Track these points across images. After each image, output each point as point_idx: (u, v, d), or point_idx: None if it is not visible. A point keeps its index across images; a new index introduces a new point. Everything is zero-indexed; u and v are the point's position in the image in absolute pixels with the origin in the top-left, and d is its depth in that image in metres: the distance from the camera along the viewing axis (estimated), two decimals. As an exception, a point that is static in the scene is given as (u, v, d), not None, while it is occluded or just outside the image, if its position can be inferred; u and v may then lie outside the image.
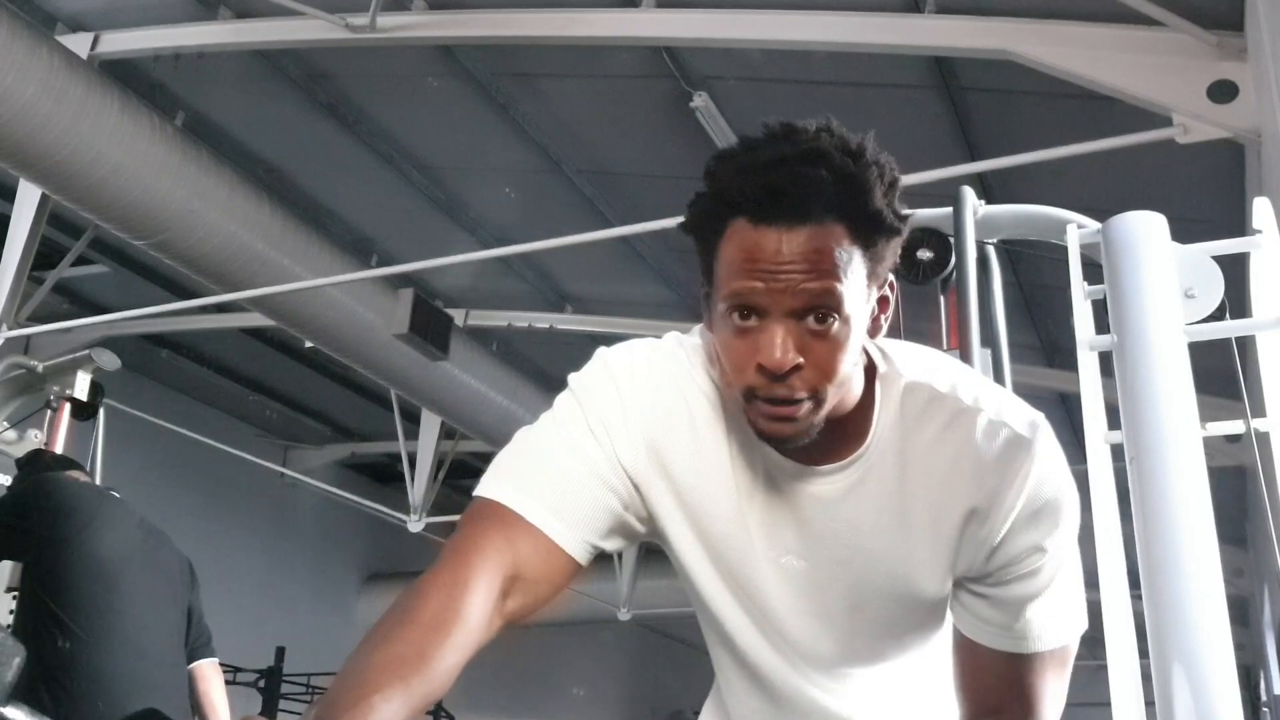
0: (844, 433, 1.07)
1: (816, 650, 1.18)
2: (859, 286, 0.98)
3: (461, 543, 1.04)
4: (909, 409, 1.08)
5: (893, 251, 1.02)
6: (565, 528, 1.08)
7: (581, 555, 1.10)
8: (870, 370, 1.08)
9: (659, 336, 1.18)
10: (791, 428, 1.01)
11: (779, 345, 0.97)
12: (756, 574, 1.14)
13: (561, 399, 1.14)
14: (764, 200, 0.95)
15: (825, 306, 0.96)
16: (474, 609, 0.99)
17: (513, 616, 1.05)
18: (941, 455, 1.07)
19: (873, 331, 1.04)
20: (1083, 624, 1.14)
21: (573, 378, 1.15)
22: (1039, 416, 1.11)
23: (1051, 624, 1.10)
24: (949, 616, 1.17)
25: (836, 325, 0.97)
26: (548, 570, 1.07)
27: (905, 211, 1.00)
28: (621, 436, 1.10)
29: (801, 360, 0.97)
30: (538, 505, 1.07)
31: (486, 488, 1.09)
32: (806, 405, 0.99)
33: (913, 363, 1.11)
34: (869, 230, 0.98)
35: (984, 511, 1.05)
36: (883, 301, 1.04)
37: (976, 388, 1.10)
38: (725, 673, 1.27)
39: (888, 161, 0.99)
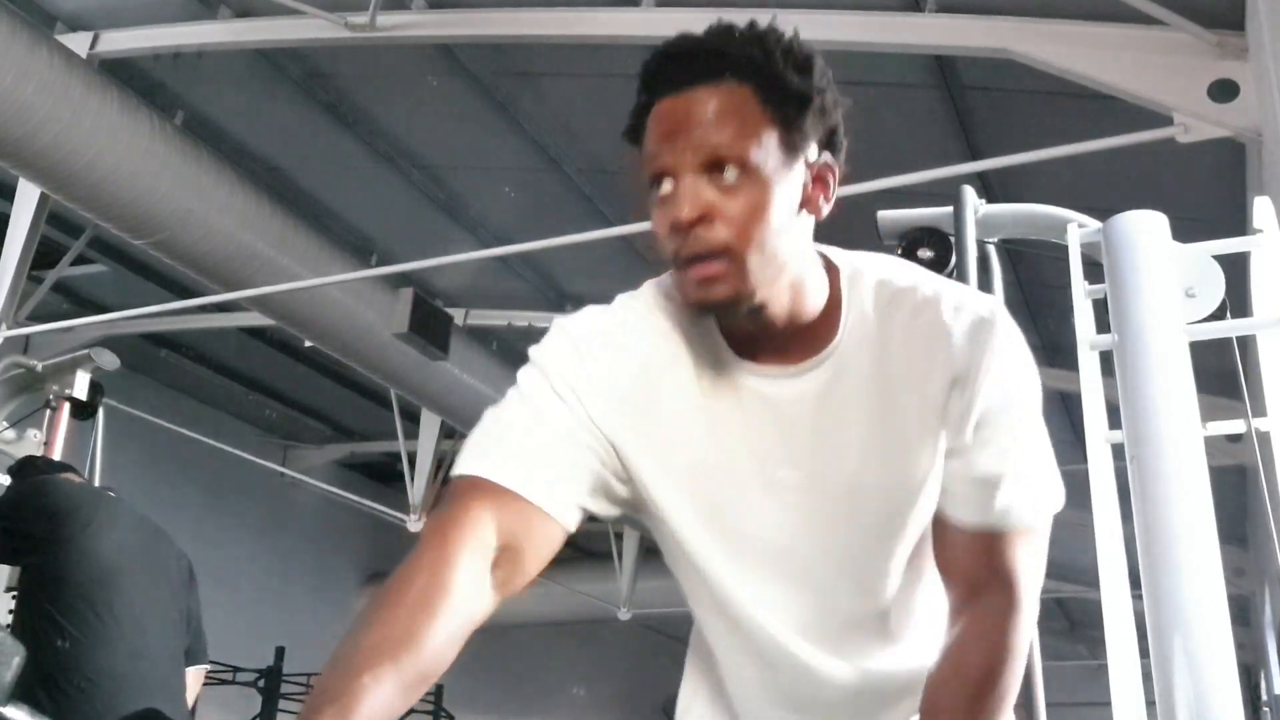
0: (814, 334, 1.09)
1: (810, 585, 1.17)
2: (771, 149, 1.01)
3: (442, 521, 1.03)
4: (879, 300, 1.11)
5: (815, 126, 1.04)
6: (547, 491, 1.06)
7: (568, 518, 1.08)
8: (835, 274, 1.12)
9: None
10: (716, 291, 1.02)
11: (684, 198, 1.00)
12: (746, 505, 1.13)
13: (524, 372, 1.14)
14: (669, 70, 1.02)
15: (728, 158, 0.99)
16: (461, 584, 0.98)
17: (506, 587, 1.04)
18: (917, 335, 1.09)
19: (811, 208, 1.06)
20: (1057, 502, 1.17)
21: (533, 350, 1.15)
22: (995, 301, 1.15)
23: (1025, 499, 1.14)
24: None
25: (744, 180, 1.00)
26: (535, 537, 1.06)
27: (822, 85, 1.05)
28: (588, 395, 1.10)
29: (710, 215, 1.00)
30: (516, 473, 1.05)
31: (463, 465, 1.08)
32: (724, 264, 1.01)
33: (875, 263, 1.14)
34: (775, 93, 1.01)
35: (963, 379, 1.08)
36: (819, 181, 1.06)
37: (935, 281, 1.14)
38: (718, 644, 1.25)
39: (800, 45, 1.05)
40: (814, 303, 1.09)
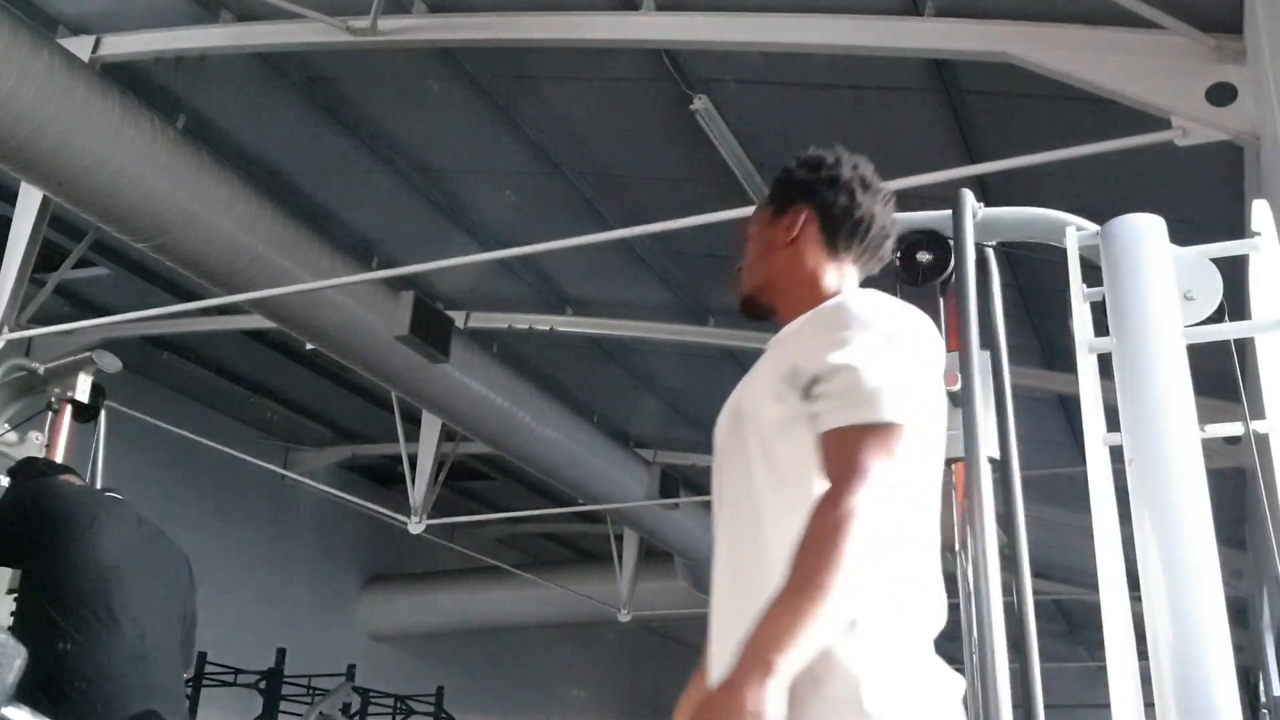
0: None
1: (720, 489, 1.61)
2: (760, 223, 1.77)
3: None
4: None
5: (795, 190, 1.73)
6: None
7: None
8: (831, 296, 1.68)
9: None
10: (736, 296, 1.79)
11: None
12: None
13: None
14: None
15: (742, 239, 1.81)
16: None
17: None
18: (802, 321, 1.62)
19: (785, 238, 1.71)
20: (868, 415, 1.42)
21: None
22: (849, 295, 1.62)
23: (837, 408, 1.44)
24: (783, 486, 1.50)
25: (746, 245, 1.79)
26: None
27: (799, 171, 1.75)
28: None
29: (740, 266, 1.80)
30: None
31: None
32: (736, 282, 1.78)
33: (859, 294, 1.63)
34: (771, 192, 1.79)
35: (792, 336, 1.60)
36: (785, 227, 1.71)
37: (855, 294, 1.62)
38: None
39: (798, 157, 1.76)
40: (800, 306, 1.64)
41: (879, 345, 1.46)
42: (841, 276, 1.70)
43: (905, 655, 1.41)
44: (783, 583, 1.30)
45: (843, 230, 1.69)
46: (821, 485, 1.39)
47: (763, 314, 1.73)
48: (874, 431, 1.39)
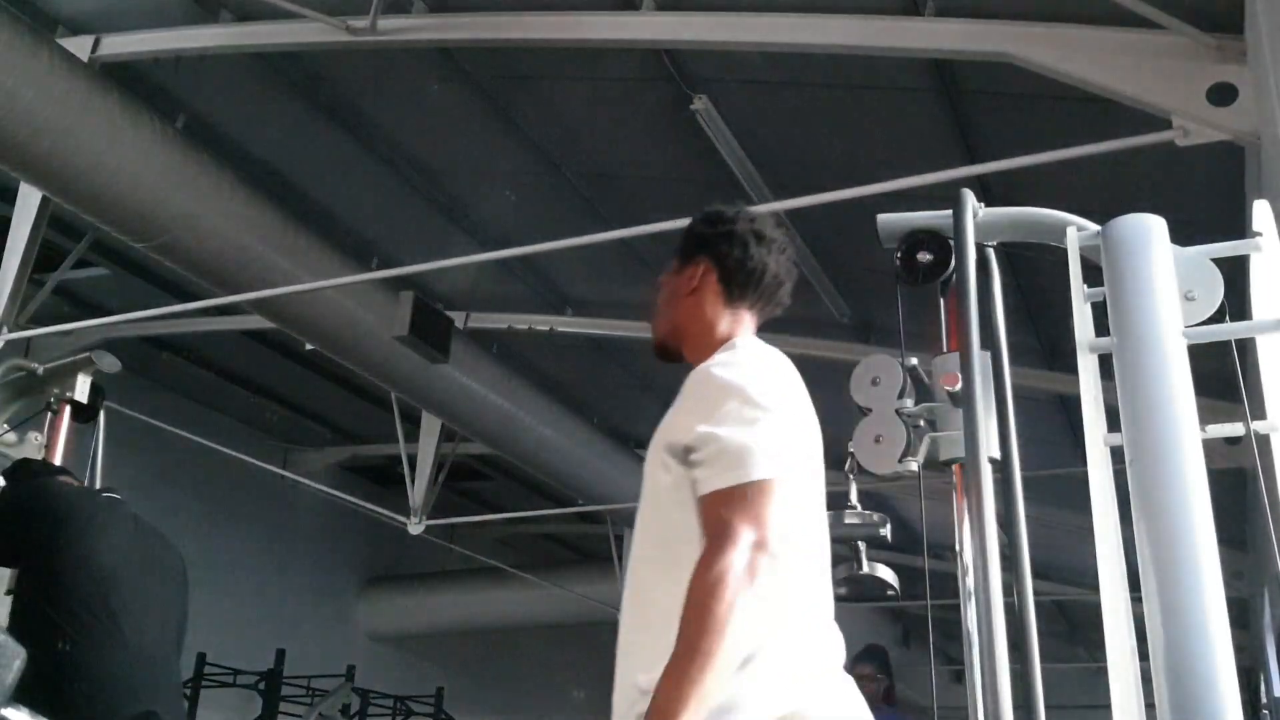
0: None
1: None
2: (669, 273, 1.94)
3: None
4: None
5: (696, 244, 1.91)
6: None
7: None
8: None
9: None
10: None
11: None
12: None
13: None
14: None
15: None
16: None
17: None
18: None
19: (687, 288, 1.88)
20: (736, 476, 1.55)
21: None
22: (720, 358, 1.72)
23: (707, 475, 1.58)
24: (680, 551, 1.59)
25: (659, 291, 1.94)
26: None
27: (702, 229, 1.93)
28: None
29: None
30: None
31: None
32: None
33: (734, 350, 1.76)
34: (680, 250, 1.95)
35: (684, 384, 1.73)
36: (687, 279, 1.89)
37: (725, 355, 1.75)
38: None
39: (704, 212, 1.93)
40: (700, 351, 1.80)
41: (741, 410, 1.60)
42: (736, 323, 1.86)
43: (791, 684, 1.55)
44: (675, 649, 1.46)
45: (737, 280, 1.86)
46: (698, 548, 1.52)
47: (672, 357, 1.90)
48: (742, 493, 1.53)
